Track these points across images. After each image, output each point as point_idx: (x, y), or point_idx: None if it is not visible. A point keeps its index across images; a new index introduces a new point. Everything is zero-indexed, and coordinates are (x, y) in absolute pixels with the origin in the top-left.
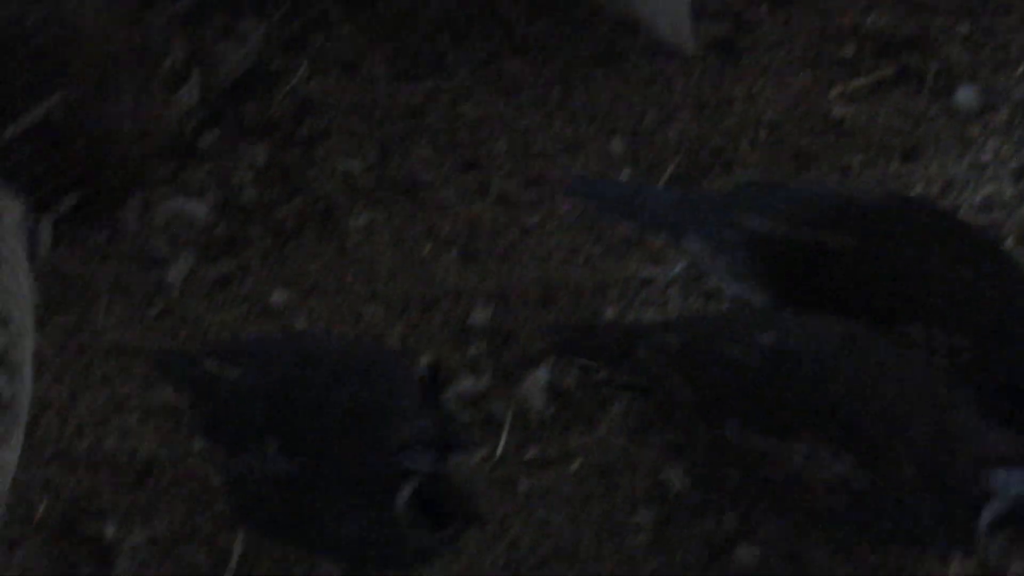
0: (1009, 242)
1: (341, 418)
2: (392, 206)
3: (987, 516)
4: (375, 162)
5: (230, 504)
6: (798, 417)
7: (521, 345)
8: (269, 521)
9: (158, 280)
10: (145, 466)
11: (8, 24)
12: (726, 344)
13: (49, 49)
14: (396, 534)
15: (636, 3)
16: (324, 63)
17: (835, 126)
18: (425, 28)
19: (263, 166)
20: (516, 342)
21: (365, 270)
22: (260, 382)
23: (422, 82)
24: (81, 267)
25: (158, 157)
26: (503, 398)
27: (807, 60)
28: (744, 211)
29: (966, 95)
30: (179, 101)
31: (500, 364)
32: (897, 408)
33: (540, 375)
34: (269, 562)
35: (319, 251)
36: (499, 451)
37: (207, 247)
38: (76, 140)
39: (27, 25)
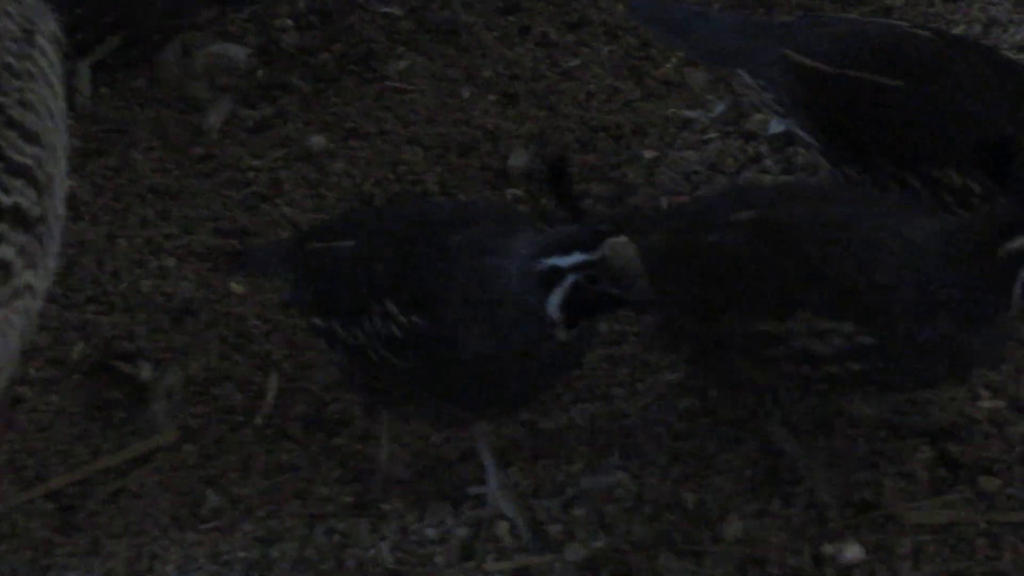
0: None
1: (467, 261)
2: (432, 50)
3: None
4: (416, 6)
5: (354, 379)
6: (790, 293)
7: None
8: (400, 382)
9: (197, 124)
10: (182, 308)
11: None
12: (704, 232)
13: None
14: (548, 343)
15: None
16: None
17: None
18: None
19: (304, 11)
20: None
21: (404, 114)
22: (368, 250)
23: None
24: (120, 111)
25: (199, 2)
26: None
27: None
28: (795, 46)
29: None
30: None
31: (538, 207)
32: (885, 265)
33: None
34: (303, 403)
35: (358, 95)
36: None
37: (246, 92)
38: None
39: None
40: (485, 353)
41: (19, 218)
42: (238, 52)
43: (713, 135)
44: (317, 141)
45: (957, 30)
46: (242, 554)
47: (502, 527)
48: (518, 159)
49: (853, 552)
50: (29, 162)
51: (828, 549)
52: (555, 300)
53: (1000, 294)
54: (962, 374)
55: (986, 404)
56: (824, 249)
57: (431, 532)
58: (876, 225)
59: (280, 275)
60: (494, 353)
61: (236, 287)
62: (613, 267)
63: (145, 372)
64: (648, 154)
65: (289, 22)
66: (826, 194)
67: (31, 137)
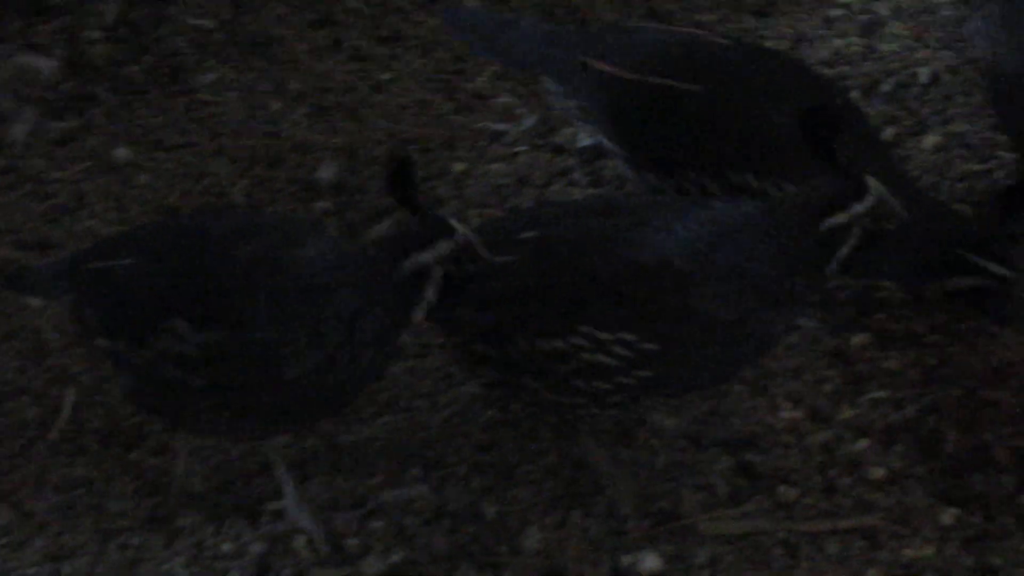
0: (855, 94)
1: (270, 274)
2: (242, 63)
3: None
4: (228, 19)
5: (143, 400)
6: (570, 310)
7: (367, 200)
8: (193, 400)
9: (0, 137)
10: None
11: None
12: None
13: None
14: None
15: None
16: None
17: None
18: None
19: (112, 23)
20: (362, 197)
21: (212, 126)
22: (151, 267)
23: None
24: None
25: (5, 12)
26: None
27: None
28: (597, 53)
29: None
30: None
31: (345, 220)
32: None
33: (384, 230)
34: (100, 416)
35: (166, 108)
36: None
37: (52, 104)
38: None
39: None
40: (295, 367)
41: None
42: (44, 63)
43: (523, 148)
44: (122, 153)
45: (767, 44)
46: (32, 570)
47: (299, 541)
48: (326, 171)
49: (651, 562)
50: None
51: (626, 560)
52: (429, 294)
53: (815, 271)
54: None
55: (786, 414)
56: (599, 263)
57: (227, 547)
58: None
59: (59, 295)
60: (303, 367)
61: (33, 300)
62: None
63: None
64: (458, 167)
65: (98, 34)
66: (611, 207)
67: None
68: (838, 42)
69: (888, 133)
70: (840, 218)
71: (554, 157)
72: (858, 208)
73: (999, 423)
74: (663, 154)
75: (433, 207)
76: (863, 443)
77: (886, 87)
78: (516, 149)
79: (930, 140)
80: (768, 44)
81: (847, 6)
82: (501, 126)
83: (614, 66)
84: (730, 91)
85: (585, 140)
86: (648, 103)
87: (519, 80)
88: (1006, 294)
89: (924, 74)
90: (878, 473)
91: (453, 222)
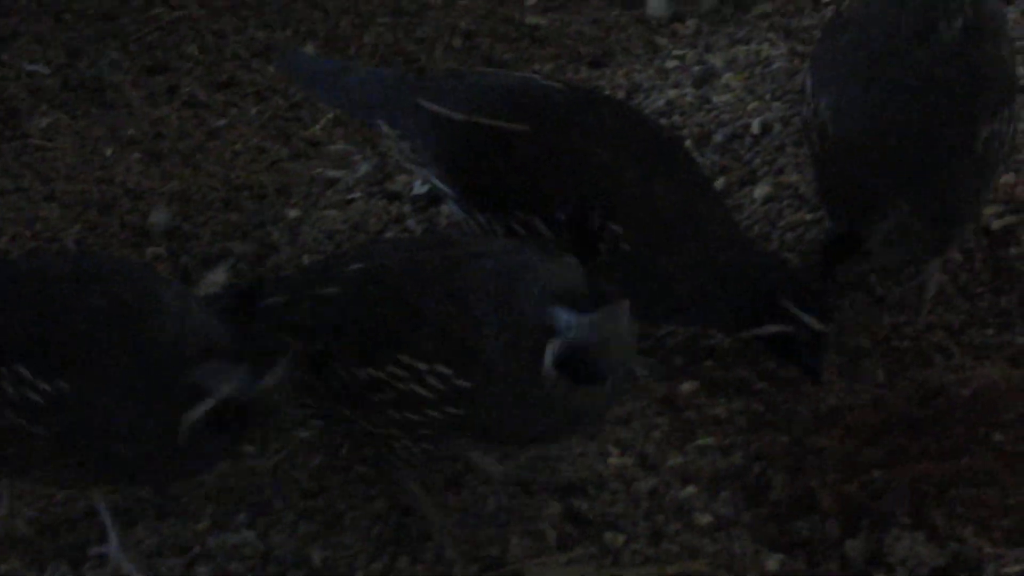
0: (687, 144)
1: (105, 325)
2: (77, 108)
3: None
4: (62, 64)
5: None
6: (390, 339)
7: (200, 246)
8: (30, 448)
9: None
10: None
11: None
12: (322, 285)
13: None
14: (178, 448)
15: None
16: None
17: (528, 34)
18: None
19: None
20: (196, 243)
21: (44, 171)
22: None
23: None
24: None
25: None
26: None
27: None
28: (430, 95)
29: (657, 5)
30: None
31: (178, 265)
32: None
33: (218, 276)
34: None
35: None
36: None
37: None
38: None
39: None
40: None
41: None
42: None
43: (357, 195)
44: None
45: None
46: None
47: None
48: (159, 217)
49: None
50: None
51: None
52: (194, 415)
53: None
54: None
55: (615, 461)
56: (420, 294)
57: None
58: (473, 271)
59: None
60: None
61: None
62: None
63: None
64: (292, 213)
65: None
66: (441, 242)
67: None
68: (672, 92)
69: (720, 183)
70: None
71: (388, 204)
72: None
73: (824, 470)
74: (492, 194)
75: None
76: (690, 489)
77: (718, 137)
78: (351, 196)
79: (761, 190)
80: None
81: (681, 57)
82: (336, 173)
83: (445, 107)
84: (557, 131)
85: (419, 187)
86: (477, 144)
87: (355, 127)
88: (816, 346)
89: (756, 125)
90: (704, 519)
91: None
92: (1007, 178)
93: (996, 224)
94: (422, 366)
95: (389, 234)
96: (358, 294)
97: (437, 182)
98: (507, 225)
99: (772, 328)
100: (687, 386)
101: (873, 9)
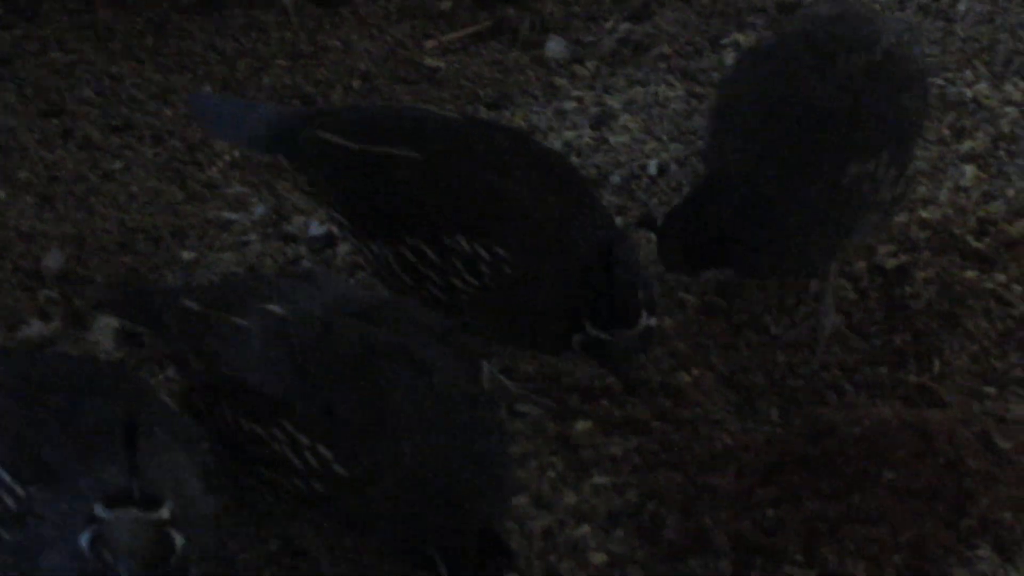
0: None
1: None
2: None
3: None
4: None
5: None
6: (280, 402)
7: (94, 290)
8: None
9: None
10: None
11: None
12: (238, 313)
13: None
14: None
15: None
16: None
17: (427, 76)
18: None
19: None
20: (89, 287)
21: None
22: None
23: (12, 30)
24: None
25: None
26: (72, 342)
27: (404, 12)
28: (325, 126)
29: (556, 47)
30: None
31: (71, 309)
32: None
33: (111, 320)
34: None
35: None
36: None
37: None
38: None
39: None
40: None
41: None
42: None
43: (253, 237)
44: None
45: None
46: None
47: None
48: (53, 260)
49: None
50: None
51: None
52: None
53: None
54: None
55: None
56: (333, 371)
57: None
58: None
59: None
60: None
61: None
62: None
63: None
64: (187, 255)
65: None
66: (362, 307)
67: None
68: (570, 134)
69: (617, 223)
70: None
71: (285, 246)
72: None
73: (718, 508)
74: (383, 222)
75: None
76: (584, 528)
77: (616, 179)
78: (246, 238)
79: None
80: None
81: (580, 99)
82: (232, 215)
83: (340, 137)
84: (447, 158)
85: (316, 228)
86: (369, 172)
87: (252, 170)
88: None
89: (652, 166)
90: (599, 558)
91: None
92: (901, 218)
93: (890, 263)
94: (303, 440)
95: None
96: (267, 341)
97: (332, 212)
98: (397, 252)
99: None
100: (582, 425)
101: (779, 40)
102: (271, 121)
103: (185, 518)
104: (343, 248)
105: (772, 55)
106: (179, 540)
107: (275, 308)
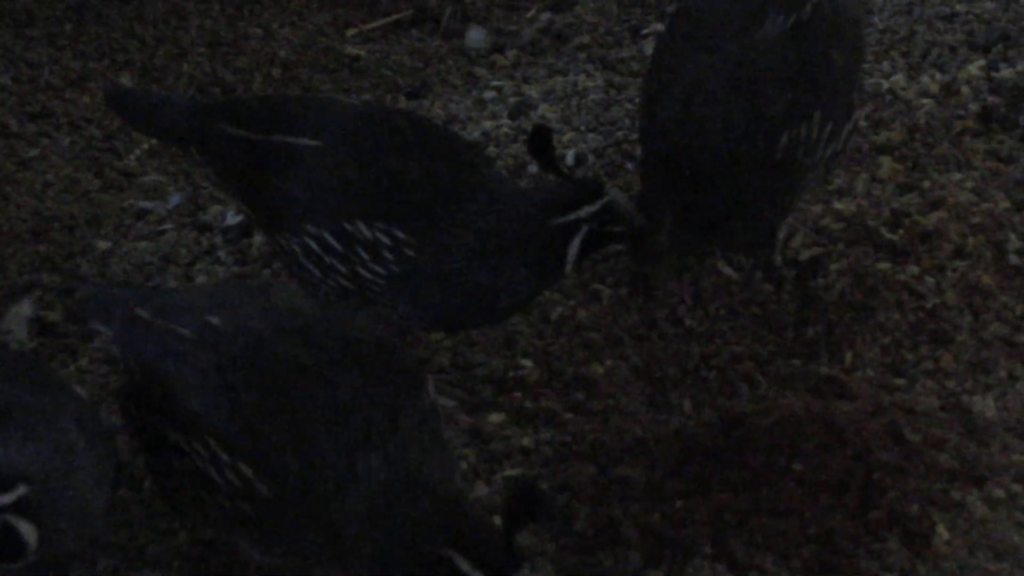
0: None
1: None
2: None
3: None
4: None
5: None
6: (198, 415)
7: (7, 277)
8: None
9: None
10: None
11: None
12: (182, 322)
13: None
14: None
15: None
16: None
17: (348, 64)
18: None
19: None
20: (3, 275)
21: None
22: None
23: None
24: None
25: None
26: None
27: (326, 1)
28: (232, 120)
29: (476, 36)
30: None
31: None
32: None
33: (24, 308)
34: None
35: None
36: None
37: None
38: None
39: None
40: None
41: None
42: None
43: (168, 227)
44: None
45: None
46: None
47: None
48: None
49: None
50: None
51: None
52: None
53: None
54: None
55: None
56: (266, 389)
57: None
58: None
59: None
60: None
61: None
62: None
63: None
64: (102, 245)
65: None
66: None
67: None
68: (488, 123)
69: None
70: (570, 216)
71: (200, 235)
72: (589, 209)
73: (629, 500)
74: (285, 212)
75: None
76: (496, 521)
77: (533, 168)
78: (162, 227)
79: None
80: None
81: (499, 88)
82: (148, 204)
83: (244, 129)
84: (343, 144)
85: (231, 218)
86: (273, 162)
87: (169, 158)
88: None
89: (570, 156)
90: None
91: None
92: (816, 208)
93: (804, 255)
94: (224, 457)
95: (200, 266)
96: (200, 353)
97: (240, 205)
98: (302, 242)
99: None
100: (495, 417)
101: (703, 10)
102: (183, 113)
103: (57, 507)
104: (258, 238)
105: (701, 19)
106: (25, 528)
107: (214, 319)
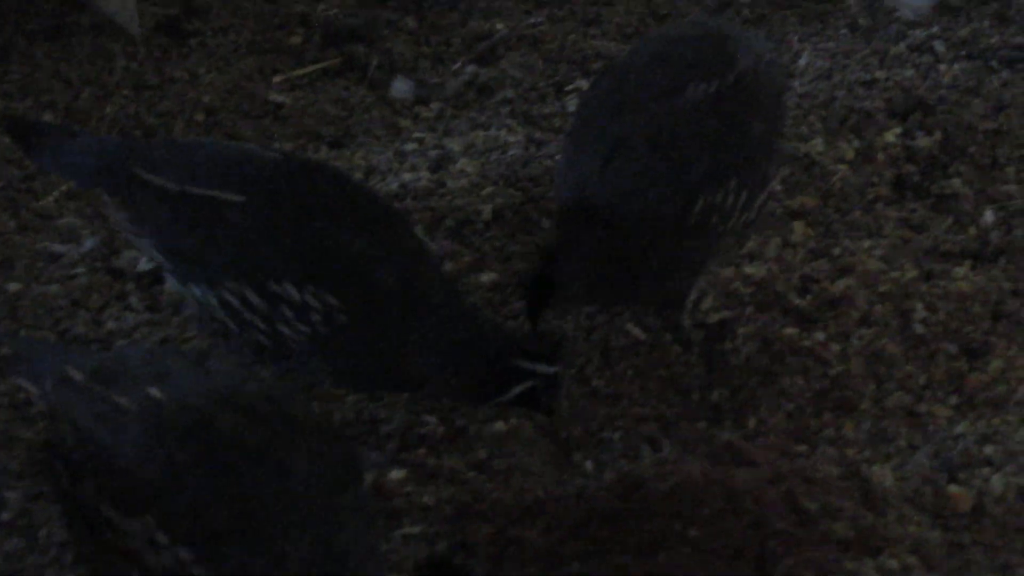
0: (419, 228)
1: None
2: None
3: None
4: None
5: None
6: (146, 493)
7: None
8: None
9: None
10: None
11: None
12: (119, 391)
13: None
14: None
15: None
16: None
17: (272, 111)
18: None
19: None
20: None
21: None
22: None
23: None
24: None
25: None
26: None
27: (254, 46)
28: (145, 164)
29: (401, 87)
30: None
31: None
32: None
33: None
34: None
35: None
36: None
37: None
38: None
39: None
40: None
41: None
42: None
43: (81, 270)
44: None
45: None
46: None
47: None
48: None
49: None
50: None
51: None
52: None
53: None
54: None
55: None
56: (210, 473)
57: None
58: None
59: None
60: None
61: None
62: None
63: None
64: (12, 287)
65: None
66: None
67: None
68: (408, 176)
69: (448, 268)
70: (530, 366)
71: (113, 280)
72: (545, 369)
73: (526, 561)
74: (207, 265)
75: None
76: None
77: (450, 222)
78: (74, 271)
79: (488, 276)
80: None
81: (421, 141)
82: (61, 247)
83: (160, 177)
84: (271, 201)
85: (144, 264)
86: (191, 214)
87: (87, 201)
88: (554, 386)
89: (487, 211)
90: None
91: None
92: (726, 272)
93: (713, 318)
94: (162, 539)
95: (110, 311)
96: (142, 426)
97: (154, 253)
98: (219, 297)
99: (518, 389)
100: (396, 474)
101: (636, 60)
102: (94, 153)
103: None
104: (169, 285)
105: (625, 79)
106: None
107: (155, 392)
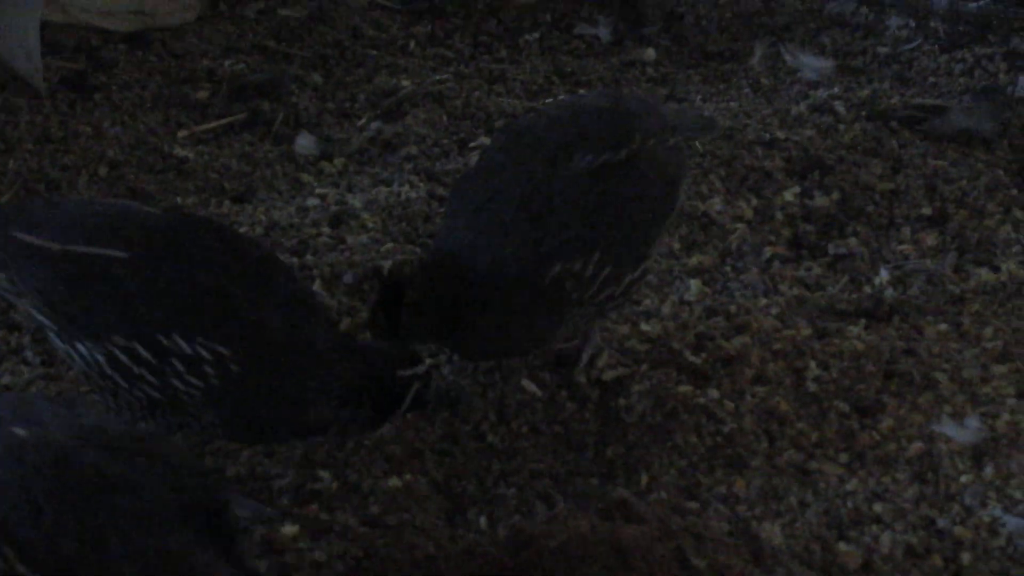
0: (317, 284)
1: None
2: None
3: None
4: None
5: None
6: (2, 525)
7: None
8: None
9: None
10: None
11: None
12: None
13: None
14: None
15: None
16: None
17: (176, 166)
18: None
19: None
20: None
21: None
22: None
23: None
24: None
25: None
26: None
27: (159, 100)
28: (24, 226)
29: (305, 142)
30: None
31: None
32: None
33: None
34: None
35: None
36: None
37: None
38: None
39: None
40: None
41: None
42: None
43: None
44: None
45: (241, 230)
46: None
47: None
48: None
49: None
50: None
51: None
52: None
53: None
54: None
55: None
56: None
57: None
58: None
59: None
60: None
61: None
62: None
63: None
64: None
65: None
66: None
67: None
68: (309, 231)
69: (344, 325)
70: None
71: (8, 335)
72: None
73: None
74: (93, 323)
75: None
76: None
77: (348, 279)
78: None
79: None
80: (241, 230)
81: (323, 196)
82: None
83: (40, 237)
84: (155, 257)
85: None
86: (74, 273)
87: None
88: (429, 382)
89: (386, 268)
90: None
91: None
92: (623, 329)
93: (608, 375)
94: (21, 570)
95: (6, 366)
96: (5, 463)
97: (36, 314)
98: (108, 354)
99: (410, 395)
100: (289, 529)
101: (536, 122)
102: None
103: None
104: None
105: (519, 139)
106: None
107: (19, 430)
